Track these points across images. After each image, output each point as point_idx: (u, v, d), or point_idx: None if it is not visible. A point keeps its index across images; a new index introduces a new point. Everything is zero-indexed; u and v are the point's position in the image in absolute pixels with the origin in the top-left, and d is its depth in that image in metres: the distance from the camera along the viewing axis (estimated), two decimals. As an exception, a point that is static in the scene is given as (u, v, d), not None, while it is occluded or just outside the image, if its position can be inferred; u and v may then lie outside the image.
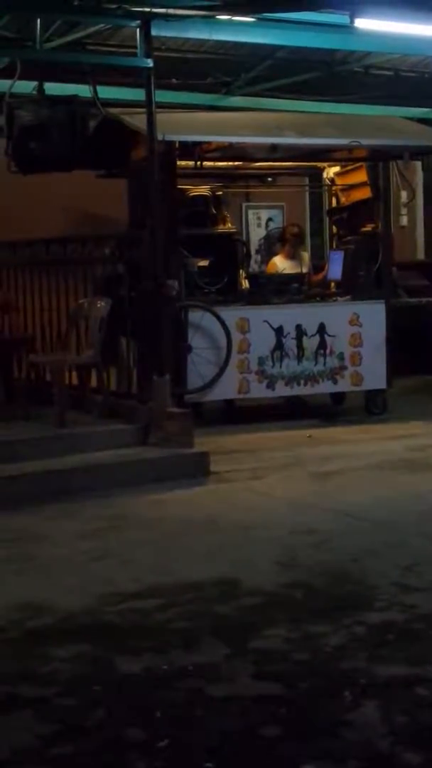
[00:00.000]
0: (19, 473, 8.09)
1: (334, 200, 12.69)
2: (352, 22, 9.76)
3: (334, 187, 12.58)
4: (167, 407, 9.15)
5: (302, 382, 10.76)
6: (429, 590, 5.62)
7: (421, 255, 17.01)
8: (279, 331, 10.58)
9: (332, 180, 12.54)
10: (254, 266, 13.18)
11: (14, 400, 10.10)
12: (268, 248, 13.69)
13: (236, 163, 12.04)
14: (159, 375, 9.28)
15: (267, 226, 14.32)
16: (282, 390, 10.75)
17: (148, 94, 9.41)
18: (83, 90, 10.57)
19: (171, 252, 9.98)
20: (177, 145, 10.29)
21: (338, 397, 11.62)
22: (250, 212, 14.32)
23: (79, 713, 4.23)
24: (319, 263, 12.47)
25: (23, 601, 5.58)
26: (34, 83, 10.50)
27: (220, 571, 6.04)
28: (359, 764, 3.76)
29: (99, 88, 10.51)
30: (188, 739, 3.99)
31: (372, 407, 11.20)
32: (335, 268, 11.53)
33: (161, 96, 10.05)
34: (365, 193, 11.72)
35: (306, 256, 12.34)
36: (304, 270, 11.89)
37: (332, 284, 11.68)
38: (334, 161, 12.19)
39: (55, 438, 8.82)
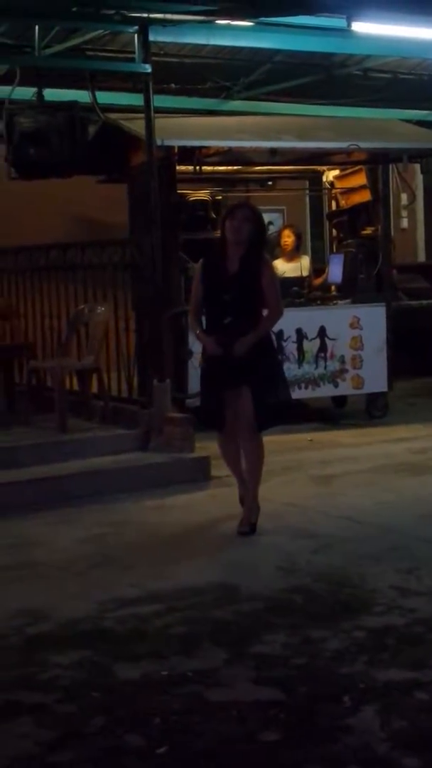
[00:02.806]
0: (19, 479, 8.10)
1: (333, 203, 12.71)
2: (349, 25, 9.76)
3: (333, 191, 12.60)
4: (168, 412, 9.16)
5: (303, 385, 10.76)
6: (429, 594, 5.62)
7: (421, 257, 17.03)
8: (279, 335, 10.56)
9: (332, 183, 12.56)
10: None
11: (15, 406, 10.12)
12: (269, 252, 13.67)
13: (236, 167, 12.06)
14: (160, 380, 9.28)
15: (267, 229, 14.30)
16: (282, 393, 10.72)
17: (147, 100, 9.43)
18: (82, 96, 10.59)
19: (171, 256, 9.99)
20: (176, 149, 10.31)
21: (339, 401, 11.63)
22: (251, 216, 14.29)
23: (78, 720, 4.24)
24: (319, 266, 12.48)
25: (23, 608, 5.59)
26: (34, 89, 10.52)
27: (219, 576, 6.05)
28: (358, 769, 3.77)
29: (98, 94, 10.54)
30: (187, 745, 3.99)
31: (373, 410, 11.21)
32: (335, 272, 11.54)
33: (160, 101, 10.07)
34: (365, 196, 11.73)
35: (306, 259, 12.34)
36: (305, 273, 11.89)
37: (332, 287, 11.69)
38: (334, 164, 12.21)
39: (55, 443, 8.83)
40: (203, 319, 7.00)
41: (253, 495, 6.97)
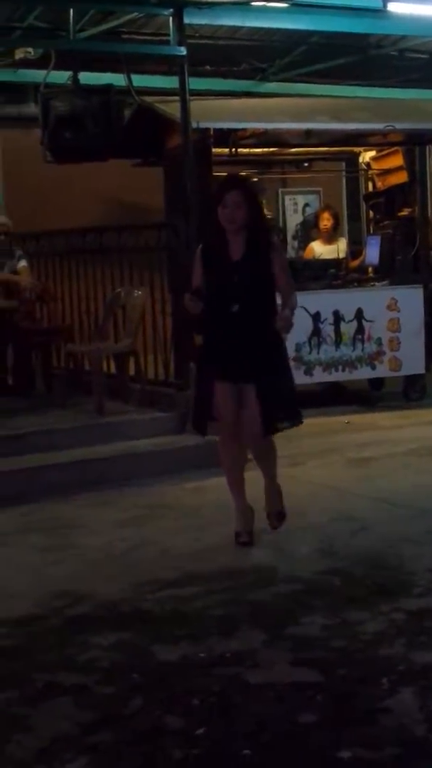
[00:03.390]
0: (57, 462, 8.14)
1: (370, 185, 12.65)
2: (385, 5, 9.72)
3: (370, 172, 12.54)
4: (205, 395, 9.15)
5: (340, 368, 10.73)
6: (467, 576, 5.61)
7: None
8: (316, 317, 10.54)
9: (368, 165, 12.49)
10: (291, 252, 13.15)
11: (53, 390, 10.16)
12: (305, 234, 13.64)
13: (271, 149, 12.02)
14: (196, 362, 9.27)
15: (303, 211, 14.27)
16: (320, 376, 10.72)
17: (182, 82, 9.41)
18: (118, 79, 10.59)
19: (207, 238, 9.97)
20: (212, 132, 10.28)
21: (376, 383, 11.59)
22: (287, 198, 14.27)
23: (117, 701, 4.27)
24: (356, 248, 12.43)
25: (63, 589, 5.63)
26: (69, 73, 10.52)
27: (258, 558, 6.06)
28: (396, 751, 3.77)
29: (133, 77, 10.53)
30: (226, 727, 4.01)
31: (410, 392, 11.16)
32: (372, 253, 11.48)
33: (195, 83, 10.05)
34: (401, 178, 11.67)
35: (343, 242, 12.29)
36: (341, 256, 11.84)
37: (369, 269, 11.64)
38: (370, 146, 12.14)
39: (93, 426, 8.86)
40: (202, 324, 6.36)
41: (271, 478, 6.55)
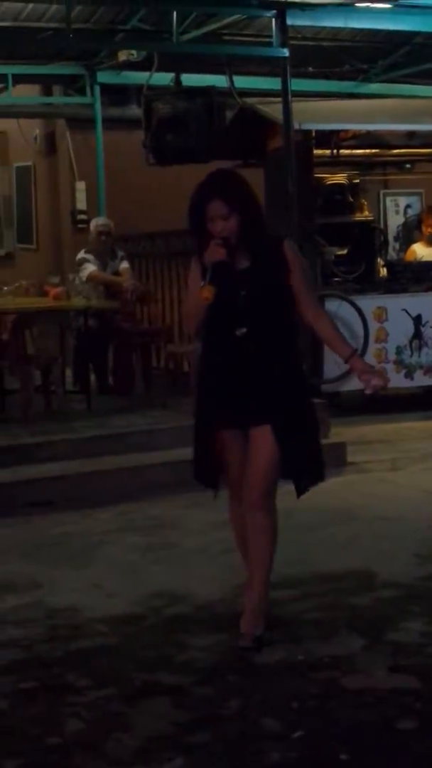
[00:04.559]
0: (157, 461, 8.17)
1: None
2: None
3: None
4: (304, 397, 9.12)
5: (444, 371, 10.60)
6: None
7: None
8: (417, 320, 10.46)
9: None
10: (392, 254, 13.05)
11: (153, 390, 10.21)
12: (407, 235, 13.53)
13: (373, 150, 11.95)
14: (296, 365, 9.25)
15: (405, 213, 14.16)
16: (421, 379, 10.62)
17: (284, 84, 9.42)
18: (220, 81, 10.63)
19: (307, 241, 9.96)
20: (313, 133, 10.26)
21: None
22: (388, 199, 14.18)
23: (215, 702, 4.27)
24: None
25: (161, 589, 5.65)
26: (171, 75, 10.60)
27: (356, 562, 6.02)
28: None
29: (235, 78, 10.56)
30: (323, 731, 3.99)
31: None
32: None
33: (297, 85, 10.04)
34: None
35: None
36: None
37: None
38: (474, 147, 12.01)
39: (192, 427, 8.86)
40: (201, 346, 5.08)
41: (259, 594, 4.87)
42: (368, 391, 4.77)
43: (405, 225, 14.00)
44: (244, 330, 4.70)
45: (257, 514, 4.84)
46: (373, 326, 10.29)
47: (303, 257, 4.85)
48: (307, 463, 4.92)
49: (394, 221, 14.21)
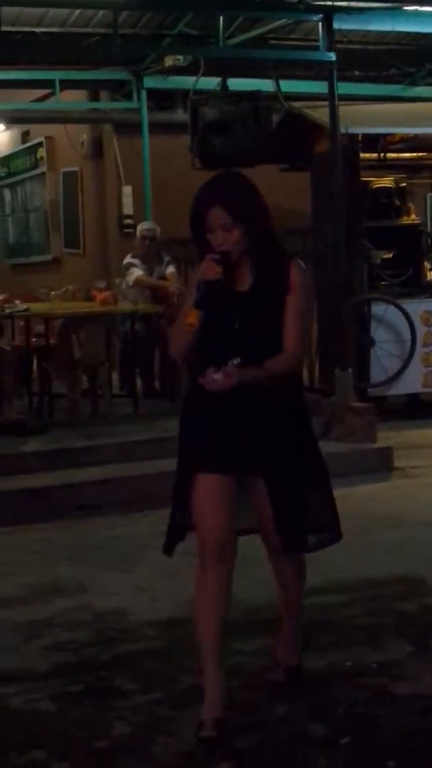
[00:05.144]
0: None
1: None
2: None
3: None
4: (350, 401, 9.12)
5: None
6: None
7: None
8: None
9: None
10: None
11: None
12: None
13: (420, 153, 11.90)
14: (342, 369, 9.25)
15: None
16: None
17: (331, 87, 9.39)
18: (266, 85, 10.62)
19: (354, 244, 9.94)
20: (360, 137, 10.24)
21: None
22: (436, 203, 14.11)
23: (262, 707, 4.26)
24: None
25: (207, 594, 5.64)
26: (218, 79, 10.61)
27: (404, 568, 5.99)
28: None
29: (281, 82, 10.54)
30: (371, 737, 3.98)
31: None
32: None
33: (343, 88, 10.01)
34: None
35: None
36: None
37: None
38: None
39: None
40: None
41: (296, 613, 4.52)
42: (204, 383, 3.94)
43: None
44: (238, 361, 3.95)
45: (290, 566, 4.39)
46: (421, 330, 10.23)
47: (311, 284, 4.21)
48: (312, 512, 4.25)
49: (441, 225, 14.13)
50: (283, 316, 4.01)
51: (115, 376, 10.31)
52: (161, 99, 12.90)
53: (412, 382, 10.33)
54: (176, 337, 4.20)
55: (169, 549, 4.37)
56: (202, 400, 4.06)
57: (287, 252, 4.25)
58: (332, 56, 9.40)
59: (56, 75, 11.90)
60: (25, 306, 10.30)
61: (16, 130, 16.36)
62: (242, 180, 4.24)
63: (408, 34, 11.27)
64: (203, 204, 4.08)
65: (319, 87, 9.93)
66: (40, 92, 13.13)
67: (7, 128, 16.27)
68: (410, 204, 11.83)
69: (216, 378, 3.88)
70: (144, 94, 12.37)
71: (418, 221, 11.97)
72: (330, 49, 9.43)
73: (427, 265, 11.48)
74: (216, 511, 4.10)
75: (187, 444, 4.26)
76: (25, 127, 15.82)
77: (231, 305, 4.03)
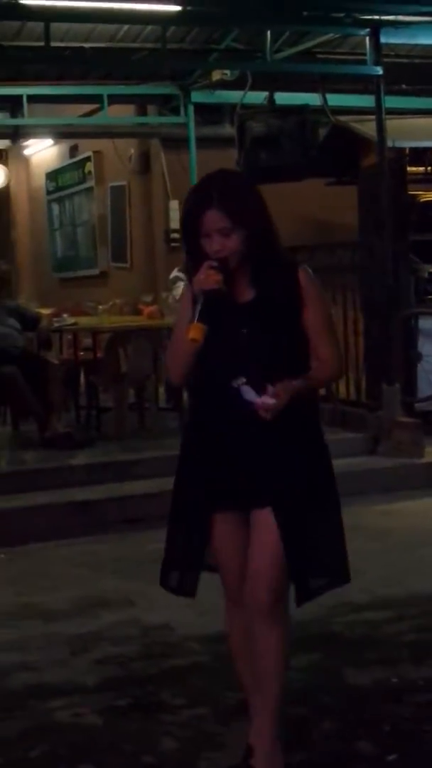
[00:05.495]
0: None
1: None
2: None
3: None
4: (397, 416, 9.09)
5: None
6: None
7: None
8: None
9: None
10: None
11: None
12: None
13: (468, 167, 11.84)
14: (389, 383, 9.23)
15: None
16: None
17: (378, 101, 9.40)
18: (313, 99, 10.63)
19: (401, 258, 9.91)
20: (407, 150, 10.22)
21: None
22: None
23: (308, 723, 4.26)
24: None
25: (254, 609, 5.64)
26: (265, 94, 10.63)
27: (451, 584, 5.97)
28: None
29: (328, 96, 10.55)
30: (418, 754, 3.96)
31: None
32: None
33: (391, 102, 10.00)
34: None
35: None
36: None
37: None
38: None
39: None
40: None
41: (270, 739, 3.73)
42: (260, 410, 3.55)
43: None
44: (243, 381, 3.55)
45: (263, 624, 3.69)
46: (468, 344, 10.18)
47: (321, 289, 3.79)
48: (323, 556, 3.86)
49: None
50: (300, 328, 3.66)
51: (161, 389, 10.35)
52: (208, 113, 12.93)
53: (459, 397, 10.27)
54: (175, 357, 3.76)
55: (173, 585, 3.98)
56: (207, 431, 3.72)
57: (292, 258, 3.90)
58: (379, 70, 9.41)
59: (104, 90, 11.97)
60: (73, 320, 10.37)
61: (65, 145, 16.46)
62: (239, 179, 3.92)
63: (455, 47, 11.25)
64: (197, 207, 3.65)
65: (366, 101, 9.93)
66: (88, 107, 13.21)
67: (56, 143, 16.37)
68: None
69: (270, 403, 3.50)
70: (191, 108, 12.41)
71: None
72: (377, 63, 9.44)
73: (474, 278, 11.43)
74: (227, 553, 3.80)
75: (189, 482, 3.77)
76: (73, 141, 15.91)
77: (232, 319, 3.64)
